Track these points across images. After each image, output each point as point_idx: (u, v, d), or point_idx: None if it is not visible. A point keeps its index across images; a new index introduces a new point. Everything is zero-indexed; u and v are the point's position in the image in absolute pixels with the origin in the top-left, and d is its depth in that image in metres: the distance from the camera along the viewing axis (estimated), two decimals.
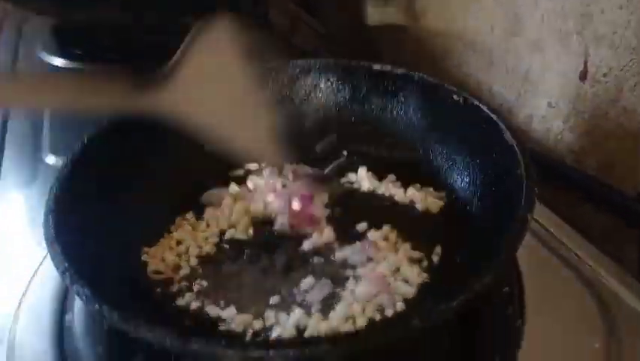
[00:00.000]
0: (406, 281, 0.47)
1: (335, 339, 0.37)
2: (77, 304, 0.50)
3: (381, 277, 0.46)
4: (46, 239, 0.41)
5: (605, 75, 0.62)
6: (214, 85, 0.37)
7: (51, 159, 0.69)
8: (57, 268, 0.39)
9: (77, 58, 0.94)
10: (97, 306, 0.36)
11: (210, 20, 0.36)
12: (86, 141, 0.52)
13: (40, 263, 0.55)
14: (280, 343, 0.40)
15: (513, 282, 0.47)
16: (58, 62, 0.93)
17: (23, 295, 0.52)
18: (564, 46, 0.67)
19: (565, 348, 0.44)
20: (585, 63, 0.65)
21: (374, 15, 1.07)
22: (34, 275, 0.54)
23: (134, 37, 0.97)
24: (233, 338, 0.41)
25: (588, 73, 0.65)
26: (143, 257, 0.51)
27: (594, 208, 0.61)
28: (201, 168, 0.58)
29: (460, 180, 0.56)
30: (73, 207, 0.46)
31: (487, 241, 0.41)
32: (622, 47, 0.60)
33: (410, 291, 0.46)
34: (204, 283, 0.49)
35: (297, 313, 0.45)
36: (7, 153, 0.71)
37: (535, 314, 0.46)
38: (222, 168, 0.59)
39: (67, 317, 0.49)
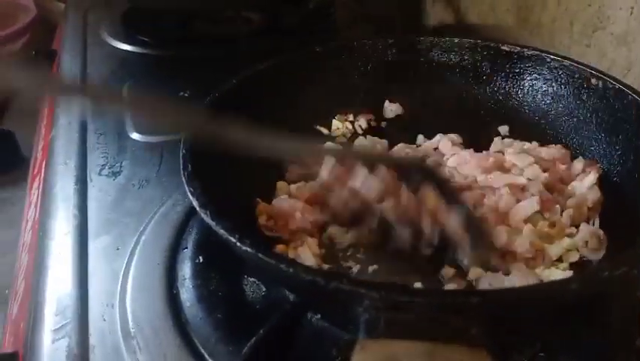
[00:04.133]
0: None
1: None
2: (187, 272, 0.49)
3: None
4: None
5: None
6: None
7: (136, 136, 0.69)
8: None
9: (143, 44, 0.94)
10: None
11: None
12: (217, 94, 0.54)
13: (143, 230, 0.54)
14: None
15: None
16: (125, 47, 0.94)
17: (127, 264, 0.51)
18: None
19: None
20: None
21: (435, 15, 1.08)
22: (136, 243, 0.53)
23: (198, 25, 0.98)
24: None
25: None
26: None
27: None
28: None
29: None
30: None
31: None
32: None
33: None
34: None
35: None
36: (90, 129, 0.71)
37: None
38: None
39: (178, 284, 0.48)
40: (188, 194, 0.40)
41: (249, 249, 0.34)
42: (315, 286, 0.32)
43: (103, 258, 0.53)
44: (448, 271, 0.45)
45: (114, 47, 0.94)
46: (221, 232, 0.36)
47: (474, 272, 0.44)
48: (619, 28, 0.71)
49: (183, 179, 0.42)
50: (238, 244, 0.35)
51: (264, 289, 0.48)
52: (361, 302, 0.31)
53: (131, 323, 0.45)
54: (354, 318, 0.31)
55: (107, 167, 0.64)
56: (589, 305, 0.42)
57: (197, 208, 0.39)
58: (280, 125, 0.58)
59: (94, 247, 0.54)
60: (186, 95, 0.76)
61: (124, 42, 0.95)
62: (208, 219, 0.38)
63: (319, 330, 0.44)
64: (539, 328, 0.40)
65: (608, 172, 0.52)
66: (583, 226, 0.47)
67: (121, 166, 0.64)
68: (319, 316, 0.44)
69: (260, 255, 0.34)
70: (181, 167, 0.43)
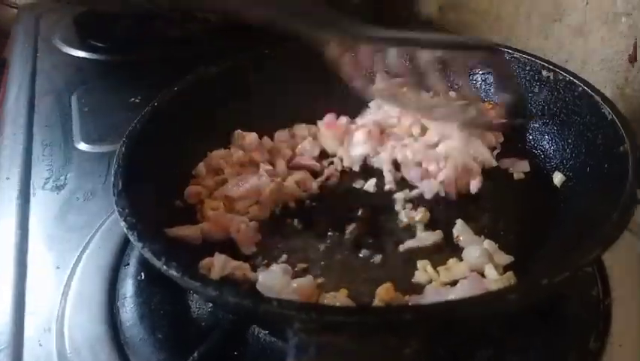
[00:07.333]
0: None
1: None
2: (129, 290, 0.47)
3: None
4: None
5: None
6: None
7: (83, 146, 0.66)
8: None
9: (96, 49, 0.91)
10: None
11: None
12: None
13: (85, 246, 0.52)
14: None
15: None
16: (78, 53, 0.91)
17: (67, 284, 0.49)
18: (611, 29, 0.65)
19: None
20: (635, 45, 0.63)
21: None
22: (77, 261, 0.51)
23: (154, 26, 0.95)
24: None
25: (638, 55, 0.63)
26: None
27: None
28: None
29: (549, 161, 0.53)
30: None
31: (588, 217, 0.39)
32: None
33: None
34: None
35: None
36: (36, 140, 0.68)
37: (620, 295, 0.44)
38: None
39: (119, 303, 0.46)
40: (117, 214, 0.38)
41: (174, 272, 0.32)
42: (242, 308, 0.30)
43: (42, 278, 0.50)
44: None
45: (66, 53, 0.91)
46: (148, 255, 0.34)
47: None
48: (575, 19, 0.70)
49: (113, 198, 0.39)
50: (164, 267, 0.33)
51: (210, 305, 0.46)
52: (291, 324, 0.29)
53: (68, 348, 0.43)
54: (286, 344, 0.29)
55: (51, 180, 0.61)
56: (542, 307, 0.41)
57: (125, 230, 0.37)
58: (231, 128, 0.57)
59: (33, 266, 0.51)
60: (137, 100, 0.74)
61: (76, 48, 0.92)
62: (135, 242, 0.35)
63: (267, 345, 0.42)
64: (490, 332, 0.39)
65: (561, 165, 0.51)
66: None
67: (66, 179, 0.61)
68: (267, 331, 0.42)
69: (185, 278, 0.32)
70: (112, 184, 0.40)
